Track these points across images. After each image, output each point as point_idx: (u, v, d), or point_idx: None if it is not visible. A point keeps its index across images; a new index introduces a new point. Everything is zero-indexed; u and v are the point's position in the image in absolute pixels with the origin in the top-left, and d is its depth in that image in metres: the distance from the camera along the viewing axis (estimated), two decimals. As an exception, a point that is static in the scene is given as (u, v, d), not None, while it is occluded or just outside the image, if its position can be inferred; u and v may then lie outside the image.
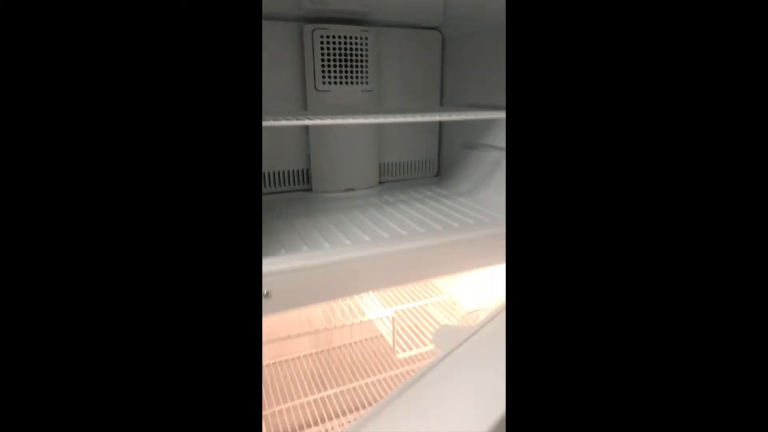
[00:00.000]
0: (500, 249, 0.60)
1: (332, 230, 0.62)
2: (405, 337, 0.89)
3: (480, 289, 0.95)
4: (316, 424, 1.01)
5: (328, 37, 0.78)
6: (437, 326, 0.95)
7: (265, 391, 0.97)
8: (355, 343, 1.12)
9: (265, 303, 0.46)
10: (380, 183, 0.93)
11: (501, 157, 0.81)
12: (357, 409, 1.07)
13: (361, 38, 0.81)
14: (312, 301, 0.50)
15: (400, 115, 0.64)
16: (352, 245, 0.54)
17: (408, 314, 0.96)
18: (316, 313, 1.01)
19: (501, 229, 0.61)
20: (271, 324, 0.97)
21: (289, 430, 1.00)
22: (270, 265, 0.47)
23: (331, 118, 0.57)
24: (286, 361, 1.05)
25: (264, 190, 0.84)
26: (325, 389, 0.99)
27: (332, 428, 1.01)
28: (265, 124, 0.50)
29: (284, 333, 0.97)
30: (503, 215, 0.68)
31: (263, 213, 0.71)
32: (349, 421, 1.06)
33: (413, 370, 1.11)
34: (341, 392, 1.00)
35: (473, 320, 0.89)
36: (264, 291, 0.46)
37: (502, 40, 0.76)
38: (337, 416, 1.02)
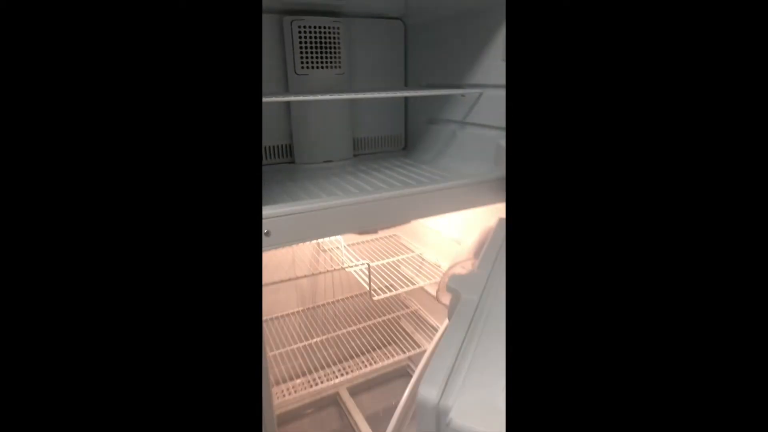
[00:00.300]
0: (449, 201, 0.74)
1: (314, 190, 0.76)
2: (380, 284, 1.03)
3: (441, 247, 1.10)
4: (310, 372, 1.15)
5: (304, 27, 0.90)
6: (407, 277, 1.10)
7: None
8: (337, 301, 1.27)
9: (266, 240, 0.60)
10: (355, 155, 1.06)
11: (456, 129, 0.95)
12: (345, 359, 1.22)
13: (333, 28, 0.93)
14: (301, 239, 0.64)
15: (369, 93, 0.77)
16: (331, 197, 0.68)
17: (381, 269, 1.10)
18: (303, 260, 1.14)
19: (451, 184, 0.75)
20: (264, 272, 1.10)
21: (287, 377, 1.14)
22: (267, 210, 0.60)
23: (312, 95, 0.70)
24: (276, 318, 1.18)
25: (252, 163, 0.96)
26: (312, 338, 1.13)
27: (324, 376, 1.15)
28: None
29: (277, 278, 1.10)
30: (455, 175, 0.82)
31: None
32: (339, 370, 1.20)
33: (390, 319, 1.26)
34: (327, 339, 1.14)
35: (460, 270, 1.02)
36: (265, 230, 0.59)
37: (456, 27, 0.90)
38: (329, 365, 1.16)
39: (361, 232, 0.88)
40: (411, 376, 1.32)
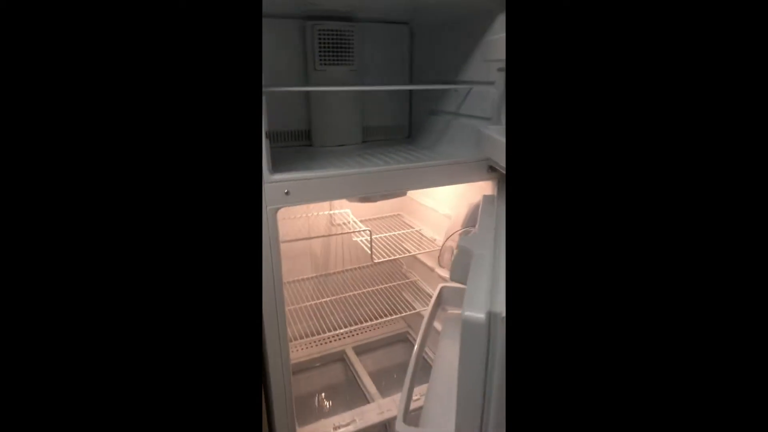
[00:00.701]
0: (435, 176, 0.90)
1: (327, 165, 0.92)
2: (381, 253, 1.20)
3: (437, 223, 1.26)
4: (321, 332, 1.32)
5: (323, 30, 1.07)
6: (407, 249, 1.26)
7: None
8: (347, 270, 1.44)
9: (286, 198, 0.77)
10: (364, 142, 1.23)
11: (451, 119, 1.10)
12: (353, 323, 1.37)
13: (348, 31, 1.09)
14: (313, 200, 0.81)
15: (375, 86, 0.93)
16: (338, 168, 0.84)
17: (385, 240, 1.27)
18: (318, 230, 1.32)
19: (437, 162, 0.90)
20: (281, 225, 1.28)
21: (301, 335, 1.31)
22: (290, 175, 0.77)
23: (326, 87, 0.86)
24: (293, 282, 1.36)
25: (276, 145, 1.14)
26: (324, 297, 1.30)
27: (333, 336, 1.31)
28: (279, 89, 0.80)
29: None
30: (446, 157, 0.97)
31: (277, 158, 1.01)
32: (347, 332, 1.37)
33: (393, 288, 1.42)
34: (336, 300, 1.32)
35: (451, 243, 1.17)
36: (285, 190, 0.76)
37: (452, 34, 1.05)
38: (338, 327, 1.33)
39: (362, 200, 1.04)
40: (410, 342, 1.49)
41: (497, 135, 0.81)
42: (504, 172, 0.88)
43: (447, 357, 0.98)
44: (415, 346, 0.96)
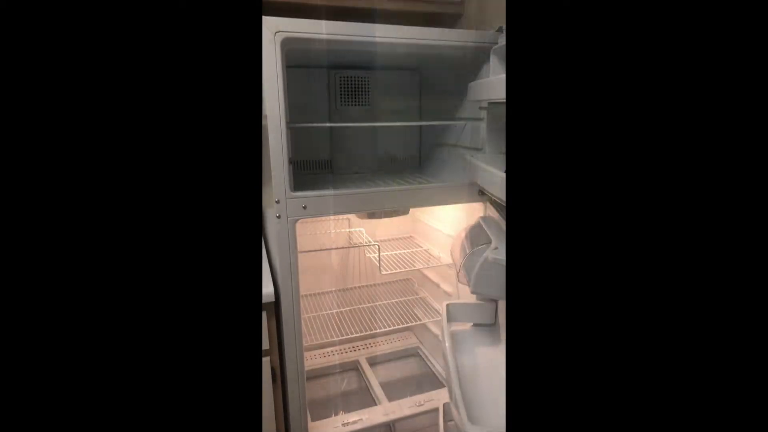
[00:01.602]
0: (432, 196, 1.05)
1: (341, 187, 1.10)
2: (390, 267, 1.34)
3: (444, 243, 1.39)
4: (339, 344, 1.45)
5: (344, 77, 1.28)
6: (413, 265, 1.39)
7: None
8: (363, 286, 1.59)
9: (304, 211, 0.94)
10: (378, 170, 1.41)
11: (451, 150, 1.26)
12: (367, 335, 1.50)
13: (364, 77, 1.30)
14: (327, 213, 0.98)
15: (389, 122, 1.11)
16: (349, 188, 1.02)
17: (394, 257, 1.42)
18: (339, 240, 1.49)
19: (432, 185, 1.06)
20: (304, 240, 1.45)
21: (318, 344, 1.45)
22: (307, 192, 0.95)
23: (345, 124, 1.05)
24: (314, 294, 1.52)
25: (303, 172, 1.34)
26: (344, 306, 1.45)
27: (350, 347, 1.44)
28: (306, 125, 0.99)
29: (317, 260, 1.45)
30: (447, 182, 1.13)
31: (301, 181, 1.19)
32: (362, 345, 1.50)
33: (402, 302, 1.55)
34: (352, 311, 1.46)
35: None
36: (303, 205, 0.94)
37: (455, 77, 1.23)
38: (353, 339, 1.46)
39: (369, 215, 1.19)
40: (421, 356, 1.59)
41: (480, 162, 0.96)
42: (488, 194, 1.03)
43: (468, 368, 1.04)
44: (449, 356, 1.01)
